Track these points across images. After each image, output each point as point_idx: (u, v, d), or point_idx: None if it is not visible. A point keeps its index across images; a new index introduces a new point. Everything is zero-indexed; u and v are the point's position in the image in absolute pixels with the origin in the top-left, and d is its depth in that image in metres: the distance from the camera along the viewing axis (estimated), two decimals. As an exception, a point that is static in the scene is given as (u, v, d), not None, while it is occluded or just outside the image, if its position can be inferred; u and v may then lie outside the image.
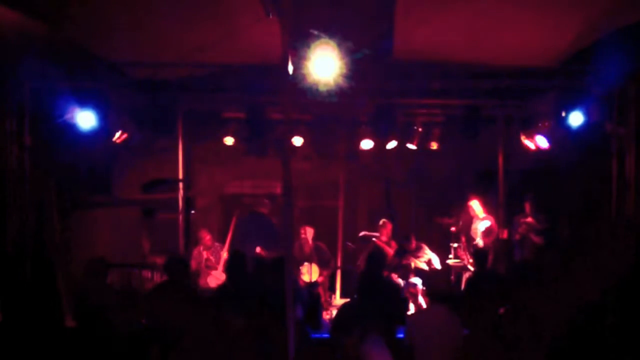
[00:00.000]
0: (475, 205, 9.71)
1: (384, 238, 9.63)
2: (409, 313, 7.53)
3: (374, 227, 9.88)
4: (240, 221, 9.78)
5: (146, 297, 6.58)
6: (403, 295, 8.84)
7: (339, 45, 6.86)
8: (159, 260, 8.46)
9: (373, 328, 5.15)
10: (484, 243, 9.23)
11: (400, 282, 9.17)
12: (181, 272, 6.41)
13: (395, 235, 9.85)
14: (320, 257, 9.69)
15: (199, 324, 5.59)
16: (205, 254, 9.47)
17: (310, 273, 9.46)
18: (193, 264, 9.37)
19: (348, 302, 6.79)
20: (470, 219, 9.78)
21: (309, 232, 9.75)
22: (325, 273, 9.65)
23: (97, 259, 6.84)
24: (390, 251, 9.51)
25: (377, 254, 7.24)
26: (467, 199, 9.89)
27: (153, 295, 6.43)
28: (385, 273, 9.29)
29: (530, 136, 8.95)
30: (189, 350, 5.31)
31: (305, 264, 9.51)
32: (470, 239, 9.62)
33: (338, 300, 10.04)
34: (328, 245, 9.98)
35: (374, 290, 6.19)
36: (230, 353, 5.30)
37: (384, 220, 9.77)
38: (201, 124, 9.92)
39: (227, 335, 5.39)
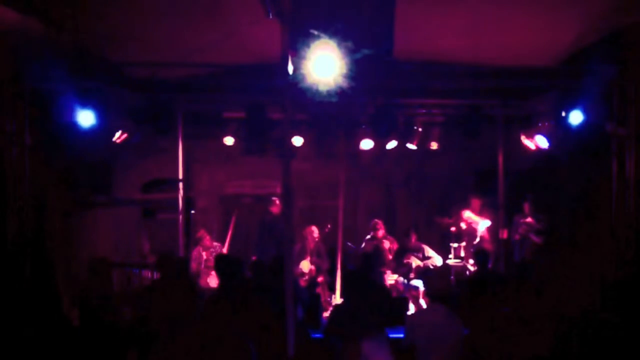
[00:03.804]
0: (468, 215, 9.73)
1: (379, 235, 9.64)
2: (409, 313, 7.54)
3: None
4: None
5: (141, 294, 6.60)
6: (403, 295, 8.85)
7: (339, 45, 6.85)
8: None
9: (364, 329, 5.16)
10: (486, 247, 9.22)
11: (402, 280, 9.18)
12: (174, 268, 6.43)
13: (395, 234, 9.87)
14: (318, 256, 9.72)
15: (195, 321, 5.60)
16: (204, 255, 9.47)
17: (307, 266, 9.51)
18: (193, 265, 9.37)
19: (340, 303, 6.79)
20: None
21: (315, 232, 9.78)
22: (316, 265, 9.65)
23: (100, 258, 6.85)
24: (388, 247, 9.51)
25: (370, 256, 7.22)
26: (467, 200, 9.90)
27: (148, 292, 6.46)
28: (384, 271, 9.34)
29: (530, 136, 8.96)
30: (182, 349, 5.30)
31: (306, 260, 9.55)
32: (471, 239, 9.63)
33: (338, 300, 10.04)
34: (328, 245, 9.98)
35: (360, 291, 6.22)
36: (228, 352, 5.30)
37: (375, 221, 9.77)
38: (201, 124, 9.92)
39: (222, 333, 5.38)
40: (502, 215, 9.66)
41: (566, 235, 9.13)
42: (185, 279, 6.92)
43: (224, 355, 4.87)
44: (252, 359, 4.71)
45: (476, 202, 9.85)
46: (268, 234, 9.88)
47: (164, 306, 5.98)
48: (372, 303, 6.11)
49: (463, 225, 9.66)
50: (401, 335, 5.72)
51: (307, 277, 9.43)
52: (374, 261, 7.02)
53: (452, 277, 9.39)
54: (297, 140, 9.35)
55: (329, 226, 10.11)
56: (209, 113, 9.67)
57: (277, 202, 10.01)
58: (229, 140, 9.53)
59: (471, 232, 9.70)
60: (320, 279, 9.50)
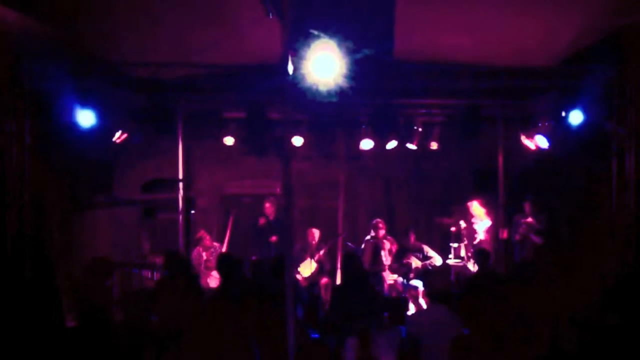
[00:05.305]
0: (476, 206, 9.69)
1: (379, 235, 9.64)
2: (409, 313, 7.54)
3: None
4: None
5: (149, 294, 6.61)
6: (403, 295, 8.86)
7: (339, 45, 6.86)
8: (159, 260, 8.46)
9: (355, 329, 5.19)
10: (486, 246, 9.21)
11: (401, 280, 9.18)
12: (181, 266, 6.44)
13: (395, 234, 9.86)
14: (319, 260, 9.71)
15: (201, 320, 5.61)
16: (204, 255, 9.47)
17: (309, 268, 9.47)
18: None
19: (333, 301, 6.79)
20: (470, 219, 9.79)
21: (317, 234, 9.73)
22: (320, 264, 9.62)
23: (100, 258, 6.85)
24: (388, 248, 9.50)
25: (348, 258, 7.20)
26: (467, 200, 9.89)
27: (156, 292, 6.46)
28: (385, 270, 9.34)
29: (530, 136, 8.96)
30: (189, 349, 5.31)
31: (306, 261, 9.54)
32: (471, 239, 9.62)
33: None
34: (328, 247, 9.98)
35: (348, 291, 6.26)
36: (230, 352, 5.31)
37: (376, 220, 9.75)
38: (201, 124, 9.92)
39: (223, 333, 5.40)
40: (502, 215, 9.66)
41: (566, 235, 9.13)
42: (191, 278, 6.93)
43: (226, 355, 4.88)
44: (254, 358, 4.72)
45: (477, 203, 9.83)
46: (264, 237, 9.79)
47: (175, 305, 5.99)
48: (360, 302, 6.16)
49: (462, 224, 9.64)
50: (402, 335, 5.73)
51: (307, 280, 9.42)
52: (357, 260, 7.07)
53: (452, 277, 9.40)
54: (297, 140, 9.35)
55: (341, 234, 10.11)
56: (209, 113, 9.67)
57: (271, 204, 9.86)
58: (229, 140, 9.52)
59: (471, 232, 9.69)
60: (323, 280, 9.48)
